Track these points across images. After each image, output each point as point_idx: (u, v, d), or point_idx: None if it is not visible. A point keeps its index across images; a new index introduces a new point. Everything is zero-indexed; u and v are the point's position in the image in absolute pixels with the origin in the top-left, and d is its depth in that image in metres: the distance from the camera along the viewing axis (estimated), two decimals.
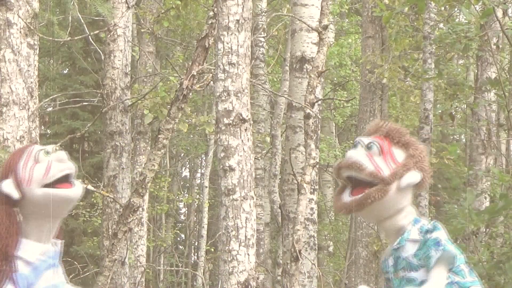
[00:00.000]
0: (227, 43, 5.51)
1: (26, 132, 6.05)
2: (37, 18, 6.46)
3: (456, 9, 11.76)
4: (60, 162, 2.91)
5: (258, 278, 5.81)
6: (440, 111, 11.19)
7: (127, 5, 9.17)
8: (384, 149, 2.81)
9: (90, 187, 8.52)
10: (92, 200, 14.99)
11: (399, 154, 2.85)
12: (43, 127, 16.64)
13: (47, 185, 2.86)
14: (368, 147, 2.82)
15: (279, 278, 12.39)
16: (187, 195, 21.86)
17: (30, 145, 3.01)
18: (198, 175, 23.45)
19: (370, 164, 2.80)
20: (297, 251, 7.21)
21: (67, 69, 18.18)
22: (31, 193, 2.85)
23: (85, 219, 15.31)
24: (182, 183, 23.57)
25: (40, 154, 2.91)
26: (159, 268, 16.56)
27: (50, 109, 15.72)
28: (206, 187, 17.95)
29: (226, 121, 5.47)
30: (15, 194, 2.85)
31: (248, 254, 5.45)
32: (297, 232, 7.26)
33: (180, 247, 23.18)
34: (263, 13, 13.55)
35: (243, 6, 5.55)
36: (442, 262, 2.75)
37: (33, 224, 2.89)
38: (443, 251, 2.75)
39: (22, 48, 6.05)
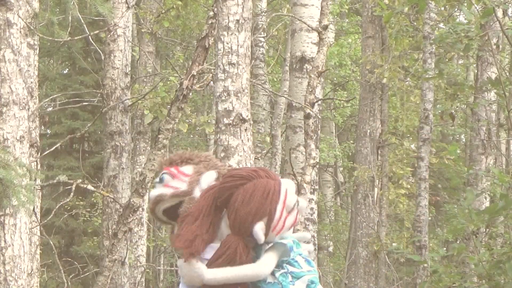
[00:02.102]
0: (227, 43, 5.50)
1: (26, 132, 6.04)
2: (37, 18, 6.46)
3: (456, 9, 11.76)
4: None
5: None
6: (440, 111, 11.18)
7: (127, 5, 9.17)
8: (174, 173, 3.06)
9: (90, 187, 8.53)
10: (92, 200, 14.98)
11: (188, 169, 3.08)
12: (43, 127, 16.63)
13: None
14: (161, 180, 3.07)
15: None
16: None
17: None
18: None
19: (169, 189, 3.03)
20: None
21: (67, 69, 18.16)
22: (271, 238, 2.93)
23: (85, 219, 15.28)
24: None
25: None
26: (159, 268, 16.53)
27: (50, 109, 15.73)
28: None
29: (226, 121, 5.46)
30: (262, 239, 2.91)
31: None
32: (296, 232, 7.25)
33: None
34: (263, 13, 13.55)
35: (243, 6, 5.55)
36: (273, 250, 2.93)
37: None
38: (275, 242, 2.94)
39: (22, 48, 6.04)
